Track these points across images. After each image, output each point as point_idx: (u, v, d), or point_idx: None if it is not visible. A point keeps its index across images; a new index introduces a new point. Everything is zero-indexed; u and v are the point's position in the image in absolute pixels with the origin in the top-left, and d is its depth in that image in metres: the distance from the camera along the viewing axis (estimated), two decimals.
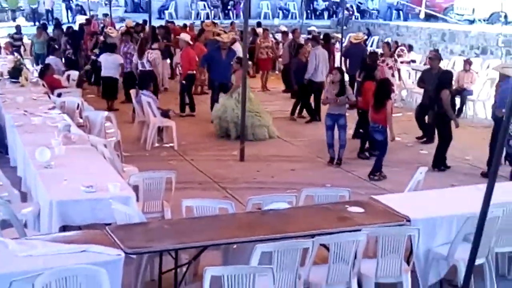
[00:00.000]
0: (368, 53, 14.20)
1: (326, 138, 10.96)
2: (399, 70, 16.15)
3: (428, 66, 13.65)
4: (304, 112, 14.59)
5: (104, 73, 15.02)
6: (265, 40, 18.62)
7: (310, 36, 18.36)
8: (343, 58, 16.74)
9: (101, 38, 17.40)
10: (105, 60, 14.98)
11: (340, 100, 10.61)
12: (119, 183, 6.65)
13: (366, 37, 22.09)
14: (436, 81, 11.14)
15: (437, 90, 10.81)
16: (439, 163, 10.79)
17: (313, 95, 14.36)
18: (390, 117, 10.18)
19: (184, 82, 14.59)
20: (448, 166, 10.87)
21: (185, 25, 22.70)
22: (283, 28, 21.26)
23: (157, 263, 5.97)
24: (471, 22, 26.16)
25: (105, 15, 23.86)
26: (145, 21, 19.22)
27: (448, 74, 11.16)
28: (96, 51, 16.22)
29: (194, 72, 14.79)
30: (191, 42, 15.24)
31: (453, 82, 13.53)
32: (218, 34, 15.53)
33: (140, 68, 14.31)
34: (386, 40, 20.69)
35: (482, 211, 5.51)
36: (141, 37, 15.47)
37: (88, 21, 21.99)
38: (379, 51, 17.45)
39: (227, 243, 5.75)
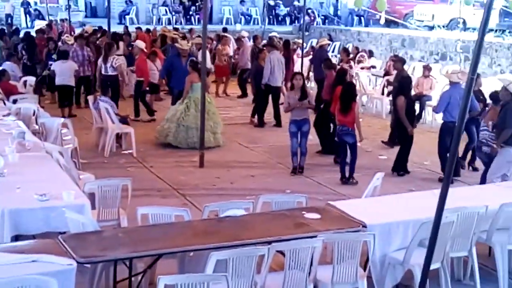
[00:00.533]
0: (323, 59, 14.26)
1: (290, 146, 10.76)
2: (357, 76, 16.31)
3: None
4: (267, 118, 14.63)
5: (58, 81, 14.65)
6: (224, 48, 18.57)
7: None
8: (309, 63, 16.88)
9: (60, 44, 17.15)
10: (59, 68, 14.70)
11: (303, 104, 10.55)
12: (73, 191, 6.53)
13: (330, 42, 22.25)
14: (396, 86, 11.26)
15: (395, 95, 10.91)
16: (399, 167, 10.87)
17: (273, 100, 14.44)
18: (358, 119, 10.36)
19: (148, 88, 14.79)
20: (408, 171, 10.96)
21: (148, 30, 22.61)
22: (245, 34, 21.24)
23: (112, 272, 5.87)
24: (431, 28, 26.49)
25: (64, 20, 23.56)
26: (100, 27, 19.10)
27: (406, 79, 11.23)
28: (55, 56, 15.94)
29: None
30: (145, 50, 15.22)
31: (413, 88, 13.78)
32: (174, 40, 15.52)
33: (103, 72, 14.20)
34: (343, 46, 20.86)
35: (436, 216, 5.56)
36: (106, 42, 15.28)
37: (49, 27, 21.71)
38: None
39: (182, 251, 5.69)
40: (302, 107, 10.59)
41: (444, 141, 10.31)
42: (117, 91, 14.33)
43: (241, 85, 18.23)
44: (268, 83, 14.21)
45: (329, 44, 21.89)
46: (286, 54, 16.47)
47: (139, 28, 22.88)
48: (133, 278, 5.79)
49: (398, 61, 13.43)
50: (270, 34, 23.97)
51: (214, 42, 20.43)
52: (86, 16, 31.74)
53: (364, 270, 6.03)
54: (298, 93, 10.61)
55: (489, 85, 12.21)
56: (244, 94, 17.92)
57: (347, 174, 10.34)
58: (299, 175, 10.73)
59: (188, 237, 5.82)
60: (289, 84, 17.27)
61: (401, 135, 11.01)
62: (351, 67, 16.09)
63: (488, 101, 10.74)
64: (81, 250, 5.29)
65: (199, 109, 11.85)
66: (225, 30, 22.50)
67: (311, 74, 17.33)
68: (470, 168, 11.28)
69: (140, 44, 15.32)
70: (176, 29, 23.05)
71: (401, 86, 10.98)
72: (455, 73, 11.34)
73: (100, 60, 14.45)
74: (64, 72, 14.62)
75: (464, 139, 10.83)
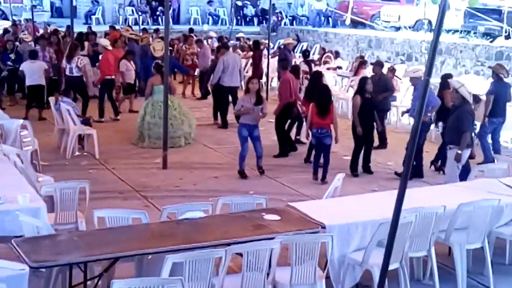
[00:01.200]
0: (278, 60, 14.35)
1: (242, 150, 10.56)
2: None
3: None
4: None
5: (29, 81, 14.37)
6: (190, 47, 18.48)
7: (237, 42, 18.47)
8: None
9: (17, 43, 16.89)
10: (29, 68, 14.43)
11: (257, 109, 10.34)
12: (28, 194, 6.41)
13: (296, 42, 22.27)
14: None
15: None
16: (352, 167, 10.87)
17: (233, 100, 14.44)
18: (336, 119, 10.59)
19: (98, 86, 14.69)
20: (371, 172, 10.98)
21: (113, 27, 22.42)
22: (213, 34, 21.18)
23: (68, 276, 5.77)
24: (397, 29, 26.67)
25: (28, 20, 23.25)
26: (68, 27, 18.85)
27: (362, 80, 11.15)
28: (12, 56, 15.66)
29: (113, 77, 14.76)
30: (110, 48, 15.08)
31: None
32: (130, 39, 15.55)
33: (67, 73, 14.06)
34: (304, 49, 20.93)
35: (394, 217, 5.57)
36: (70, 42, 15.13)
37: (16, 26, 21.40)
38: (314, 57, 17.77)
39: (137, 254, 5.61)
40: (256, 116, 10.40)
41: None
42: (84, 92, 14.20)
43: (201, 86, 18.13)
44: (221, 83, 14.30)
45: (295, 45, 21.96)
46: (257, 55, 16.45)
47: (112, 27, 22.69)
48: (89, 282, 5.71)
49: (377, 65, 13.47)
50: (237, 35, 24.01)
51: (181, 43, 20.29)
52: (51, 16, 31.34)
53: (323, 271, 6.01)
54: (254, 97, 10.38)
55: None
56: (204, 96, 17.84)
57: (319, 176, 10.39)
58: (262, 175, 10.70)
59: (144, 240, 5.75)
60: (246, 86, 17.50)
61: (355, 136, 10.96)
62: (310, 68, 16.12)
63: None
64: (34, 255, 5.20)
65: (156, 113, 11.91)
66: (191, 30, 22.39)
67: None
68: (432, 167, 11.31)
69: (104, 42, 15.22)
70: (144, 30, 22.89)
71: (359, 85, 11.01)
72: (416, 71, 11.49)
73: (63, 62, 14.30)
74: (34, 72, 14.37)
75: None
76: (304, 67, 15.24)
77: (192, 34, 19.77)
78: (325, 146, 10.42)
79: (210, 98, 17.16)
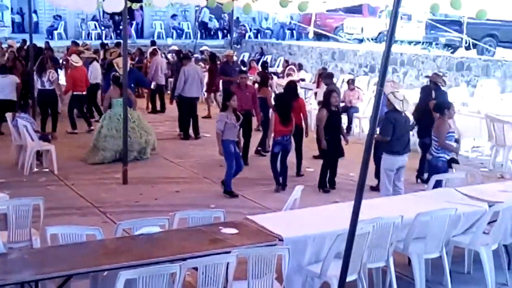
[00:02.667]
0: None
1: (230, 167, 10.23)
2: None
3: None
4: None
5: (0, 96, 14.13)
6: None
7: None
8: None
9: None
10: (0, 83, 14.14)
11: (237, 125, 10.29)
12: None
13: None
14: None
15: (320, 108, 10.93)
16: (321, 183, 10.74)
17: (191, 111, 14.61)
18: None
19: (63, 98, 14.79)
20: (334, 187, 10.82)
21: (74, 42, 22.22)
22: (174, 48, 21.09)
23: None
24: (360, 41, 26.93)
25: None
26: (24, 41, 18.72)
27: (328, 93, 10.99)
28: None
29: (84, 93, 14.91)
30: (79, 65, 15.02)
31: (339, 101, 13.93)
32: (81, 53, 15.54)
33: (39, 87, 13.97)
34: (264, 60, 20.98)
35: (350, 228, 5.56)
36: (42, 56, 15.09)
37: None
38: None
39: (91, 271, 5.50)
40: (236, 132, 10.36)
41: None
42: (55, 106, 14.20)
43: (152, 101, 18.00)
44: (182, 94, 14.38)
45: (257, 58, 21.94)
46: (213, 68, 16.42)
47: (74, 42, 22.46)
48: None
49: (326, 77, 13.62)
50: (201, 48, 23.98)
51: (137, 57, 20.11)
52: (12, 32, 31.01)
53: (281, 284, 5.96)
54: (233, 114, 10.21)
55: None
56: (153, 110, 17.71)
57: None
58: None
59: (99, 257, 5.64)
60: (212, 95, 17.50)
61: (323, 151, 10.91)
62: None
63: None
64: None
65: (113, 126, 11.84)
66: (153, 43, 22.27)
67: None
68: (419, 180, 11.16)
69: (74, 58, 15.25)
70: (102, 45, 22.69)
71: (325, 99, 10.95)
72: (388, 82, 11.62)
73: (34, 76, 14.18)
74: (5, 86, 14.13)
75: None
76: (256, 78, 15.22)
77: (156, 47, 19.61)
78: (286, 152, 10.56)
79: (171, 112, 17.12)
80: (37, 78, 13.98)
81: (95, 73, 16.16)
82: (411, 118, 10.89)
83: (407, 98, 9.62)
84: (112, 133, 12.03)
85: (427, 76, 14.23)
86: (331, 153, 10.69)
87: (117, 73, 12.91)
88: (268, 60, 25.70)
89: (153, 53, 18.52)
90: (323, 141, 10.63)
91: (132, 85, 15.69)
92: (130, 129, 11.80)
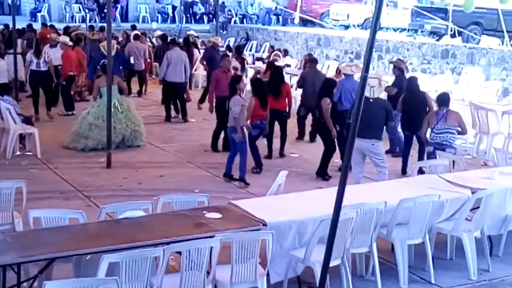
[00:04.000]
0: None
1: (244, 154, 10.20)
2: None
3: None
4: None
5: None
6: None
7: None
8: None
9: None
10: None
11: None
12: None
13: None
14: (319, 88, 10.98)
15: (319, 98, 10.62)
16: (323, 171, 10.62)
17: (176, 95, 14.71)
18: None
19: (64, 83, 14.94)
20: (329, 176, 10.62)
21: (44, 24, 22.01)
22: (159, 32, 20.96)
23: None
24: (347, 27, 26.89)
25: None
26: (6, 25, 18.51)
27: (330, 82, 10.87)
28: None
29: (74, 73, 15.09)
30: (70, 43, 15.17)
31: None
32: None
33: (34, 68, 13.93)
34: (236, 44, 20.87)
35: (334, 213, 5.56)
36: (35, 37, 15.21)
37: None
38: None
39: (73, 254, 5.47)
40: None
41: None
42: (50, 87, 14.32)
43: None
44: (165, 78, 14.55)
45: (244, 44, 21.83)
46: (187, 51, 16.35)
47: (44, 25, 22.22)
48: (25, 284, 5.56)
49: (309, 61, 13.68)
50: (188, 32, 23.85)
51: (124, 41, 19.95)
52: None
53: (265, 268, 5.97)
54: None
55: None
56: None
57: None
58: (210, 174, 10.61)
59: (81, 240, 5.61)
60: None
61: (324, 140, 10.71)
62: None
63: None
64: None
65: (101, 115, 11.65)
66: (134, 27, 22.08)
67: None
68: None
69: (65, 38, 15.34)
70: (91, 27, 22.52)
71: (325, 87, 10.77)
72: (349, 66, 11.98)
73: (29, 55, 14.15)
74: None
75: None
76: (235, 63, 15.13)
77: (144, 32, 19.46)
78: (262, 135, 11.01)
79: (156, 96, 17.05)
80: (32, 59, 13.92)
81: None
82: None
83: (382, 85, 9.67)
84: (98, 123, 11.70)
85: (391, 62, 14.43)
86: (333, 142, 10.61)
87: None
88: (254, 46, 25.71)
89: (136, 37, 18.42)
90: (332, 130, 10.43)
91: (121, 68, 15.67)
92: (117, 120, 11.65)
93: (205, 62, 16.42)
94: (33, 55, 13.98)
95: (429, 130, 9.75)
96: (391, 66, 13.73)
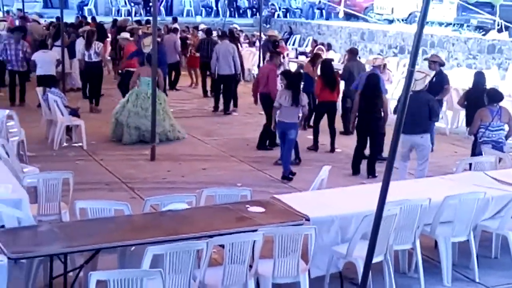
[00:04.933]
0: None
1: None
2: None
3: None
4: None
5: (40, 71, 14.21)
6: (195, 39, 18.50)
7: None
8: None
9: None
10: (41, 58, 14.29)
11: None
12: (10, 185, 6.35)
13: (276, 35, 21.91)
14: (370, 84, 10.81)
15: (373, 94, 10.33)
16: (373, 169, 10.40)
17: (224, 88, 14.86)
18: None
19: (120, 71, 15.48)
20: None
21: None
22: (202, 26, 21.08)
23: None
24: (391, 21, 26.62)
25: (20, 10, 23.11)
26: (58, 18, 18.77)
27: (376, 78, 10.66)
28: None
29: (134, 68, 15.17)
30: (131, 39, 15.50)
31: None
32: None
33: (86, 59, 14.39)
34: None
35: (377, 209, 5.53)
36: (88, 30, 15.46)
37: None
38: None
39: (118, 246, 5.56)
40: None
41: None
42: (100, 78, 14.66)
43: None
44: (218, 72, 14.77)
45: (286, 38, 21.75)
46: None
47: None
48: (71, 274, 5.66)
49: (350, 52, 13.75)
50: (230, 26, 23.92)
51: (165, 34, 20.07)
52: (45, 7, 31.18)
53: (307, 263, 5.97)
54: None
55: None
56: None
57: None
58: (252, 168, 10.65)
59: (126, 232, 5.70)
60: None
61: (377, 137, 10.54)
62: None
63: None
64: (13, 246, 5.16)
65: (139, 103, 11.75)
66: (175, 20, 22.22)
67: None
68: None
69: (125, 34, 15.67)
70: (138, 22, 22.72)
71: (376, 85, 10.44)
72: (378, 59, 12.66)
73: (82, 48, 14.66)
74: (46, 62, 14.30)
75: None
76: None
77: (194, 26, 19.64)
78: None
79: (198, 90, 17.17)
80: (84, 51, 14.42)
81: None
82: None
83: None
84: (137, 110, 11.81)
85: (426, 59, 14.31)
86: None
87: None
88: (297, 40, 25.64)
89: (171, 30, 18.72)
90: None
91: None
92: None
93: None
94: (84, 47, 14.45)
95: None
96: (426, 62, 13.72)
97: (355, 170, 10.47)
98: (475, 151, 9.55)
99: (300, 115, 10.28)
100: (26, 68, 14.90)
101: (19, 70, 14.83)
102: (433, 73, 11.52)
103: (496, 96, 9.47)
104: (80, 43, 15.56)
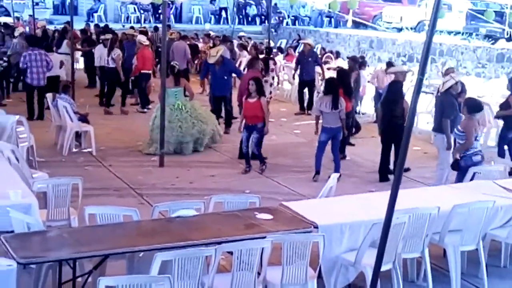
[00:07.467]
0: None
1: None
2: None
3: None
4: None
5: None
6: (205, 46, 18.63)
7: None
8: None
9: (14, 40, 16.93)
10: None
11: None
12: (20, 190, 6.38)
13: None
14: (392, 92, 10.61)
15: (393, 100, 10.33)
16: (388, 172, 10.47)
17: None
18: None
19: (132, 78, 15.74)
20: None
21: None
22: (211, 33, 21.14)
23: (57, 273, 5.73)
24: (399, 30, 26.62)
25: (30, 16, 23.21)
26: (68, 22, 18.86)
27: (399, 84, 10.75)
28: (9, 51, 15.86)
29: (150, 72, 15.54)
30: (147, 43, 15.64)
31: (371, 80, 15.05)
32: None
33: (106, 65, 14.99)
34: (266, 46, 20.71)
35: (386, 217, 5.52)
36: (110, 37, 15.66)
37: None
38: None
39: (127, 251, 5.58)
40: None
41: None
42: (118, 82, 15.10)
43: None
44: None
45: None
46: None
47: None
48: (80, 279, 5.68)
49: (351, 60, 13.78)
50: (239, 34, 23.99)
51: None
52: (57, 13, 31.37)
53: (315, 271, 5.97)
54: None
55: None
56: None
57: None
58: (260, 175, 10.65)
59: (134, 238, 5.71)
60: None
61: (397, 143, 10.32)
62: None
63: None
64: (23, 251, 5.17)
65: (165, 117, 11.28)
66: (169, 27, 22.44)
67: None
68: None
69: (142, 38, 15.80)
70: (157, 28, 22.87)
71: (398, 90, 10.58)
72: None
73: (105, 54, 15.13)
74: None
75: None
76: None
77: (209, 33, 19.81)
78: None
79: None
80: (105, 56, 15.01)
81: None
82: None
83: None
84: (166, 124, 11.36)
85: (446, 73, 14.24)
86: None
87: (174, 63, 12.63)
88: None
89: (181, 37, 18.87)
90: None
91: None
92: (182, 119, 11.60)
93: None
94: (106, 53, 14.95)
95: None
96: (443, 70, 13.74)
97: (383, 178, 10.47)
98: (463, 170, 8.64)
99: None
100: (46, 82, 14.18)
101: (38, 85, 13.88)
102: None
103: (478, 106, 9.02)
104: (99, 50, 15.82)
